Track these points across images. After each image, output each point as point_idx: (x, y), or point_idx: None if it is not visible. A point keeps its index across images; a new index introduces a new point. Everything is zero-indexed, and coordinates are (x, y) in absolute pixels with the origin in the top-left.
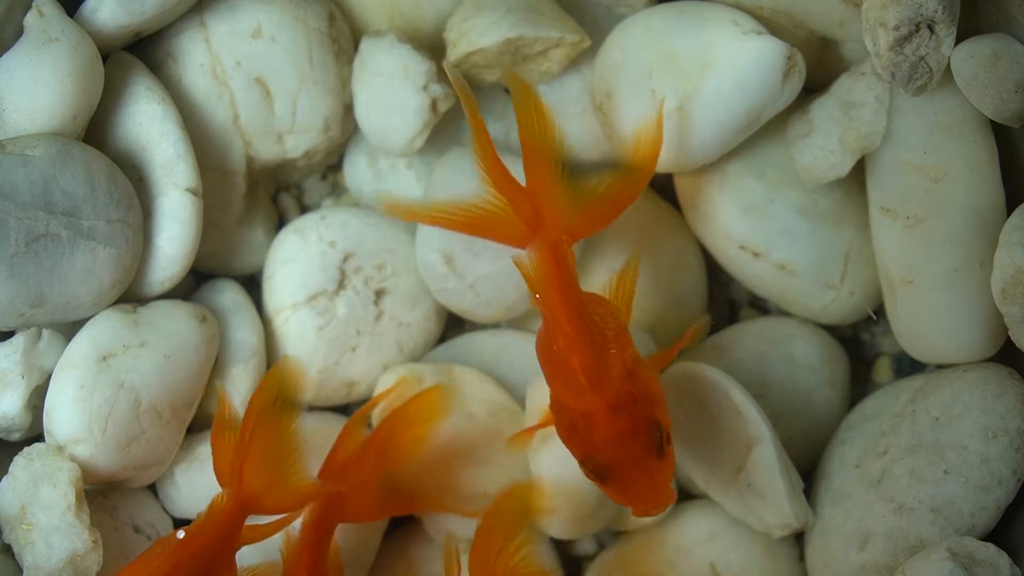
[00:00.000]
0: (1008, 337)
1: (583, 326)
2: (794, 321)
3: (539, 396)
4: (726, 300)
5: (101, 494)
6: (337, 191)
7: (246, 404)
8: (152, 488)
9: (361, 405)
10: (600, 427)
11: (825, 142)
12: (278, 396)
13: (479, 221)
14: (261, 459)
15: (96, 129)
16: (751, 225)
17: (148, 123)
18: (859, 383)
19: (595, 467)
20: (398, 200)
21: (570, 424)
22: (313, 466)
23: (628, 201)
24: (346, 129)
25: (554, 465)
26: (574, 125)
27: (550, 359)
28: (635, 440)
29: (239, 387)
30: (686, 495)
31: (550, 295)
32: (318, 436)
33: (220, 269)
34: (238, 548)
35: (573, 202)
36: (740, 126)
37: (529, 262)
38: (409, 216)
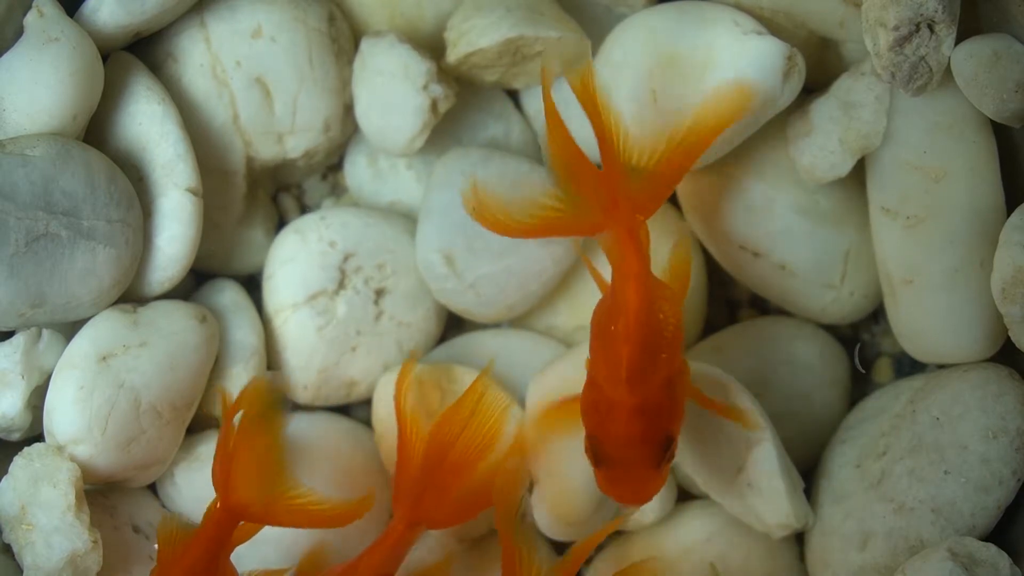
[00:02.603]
0: (1008, 337)
1: (646, 322)
2: (794, 321)
3: (539, 396)
4: (726, 300)
5: (101, 494)
6: (337, 191)
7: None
8: (152, 488)
9: (361, 405)
10: (618, 420)
11: (825, 142)
12: (262, 408)
13: (549, 222)
14: (250, 468)
15: (96, 129)
16: (751, 225)
17: (148, 123)
18: (859, 383)
19: (596, 451)
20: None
21: (593, 402)
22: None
23: (683, 172)
24: (346, 129)
25: (552, 468)
26: (574, 125)
27: (602, 336)
28: (642, 446)
29: (239, 387)
30: (686, 495)
31: (625, 280)
32: (318, 437)
33: (220, 269)
34: (232, 550)
35: (637, 181)
36: (740, 126)
37: (605, 245)
38: (482, 219)
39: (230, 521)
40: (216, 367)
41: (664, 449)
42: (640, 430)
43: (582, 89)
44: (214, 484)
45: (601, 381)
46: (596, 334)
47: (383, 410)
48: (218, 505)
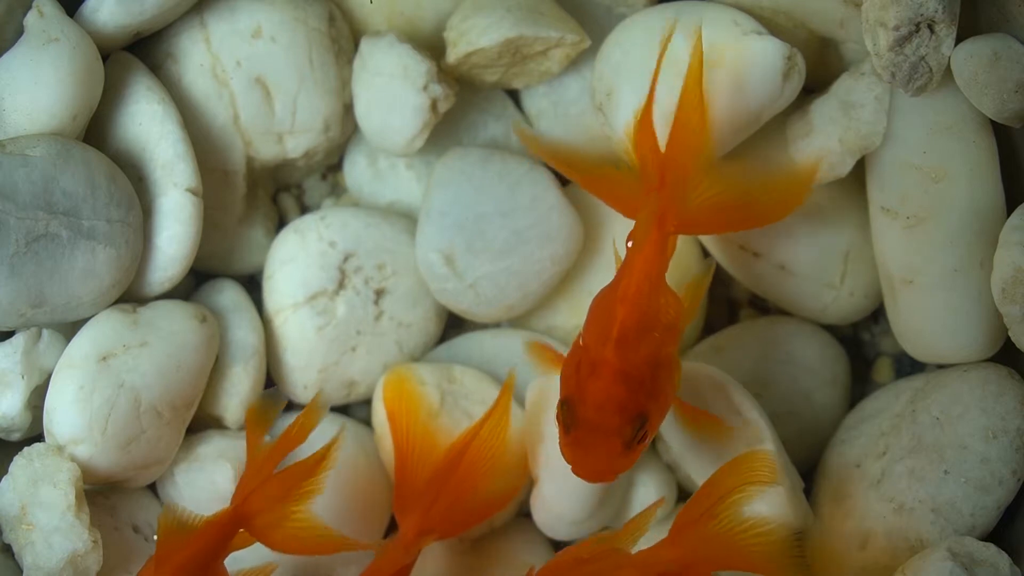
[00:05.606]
0: (1008, 337)
1: (647, 293)
2: (794, 321)
3: (539, 396)
4: (726, 300)
5: (101, 494)
6: (337, 191)
7: (246, 405)
8: (152, 488)
9: (361, 405)
10: (599, 379)
11: (825, 142)
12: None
13: (598, 176)
14: (278, 487)
15: (96, 129)
16: None
17: (148, 123)
18: (859, 383)
19: (568, 414)
20: (531, 132)
21: (576, 364)
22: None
23: (730, 228)
24: (346, 129)
25: (552, 467)
26: (574, 125)
27: (600, 303)
28: (617, 416)
29: (239, 387)
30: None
31: (637, 255)
32: (318, 437)
33: (220, 269)
34: (227, 555)
35: (702, 196)
36: (740, 126)
37: (635, 224)
38: (536, 149)
39: (234, 526)
40: (216, 367)
41: (636, 427)
42: (618, 396)
43: (689, 72)
44: (238, 485)
45: (588, 343)
46: (594, 305)
47: (383, 410)
48: (231, 507)
